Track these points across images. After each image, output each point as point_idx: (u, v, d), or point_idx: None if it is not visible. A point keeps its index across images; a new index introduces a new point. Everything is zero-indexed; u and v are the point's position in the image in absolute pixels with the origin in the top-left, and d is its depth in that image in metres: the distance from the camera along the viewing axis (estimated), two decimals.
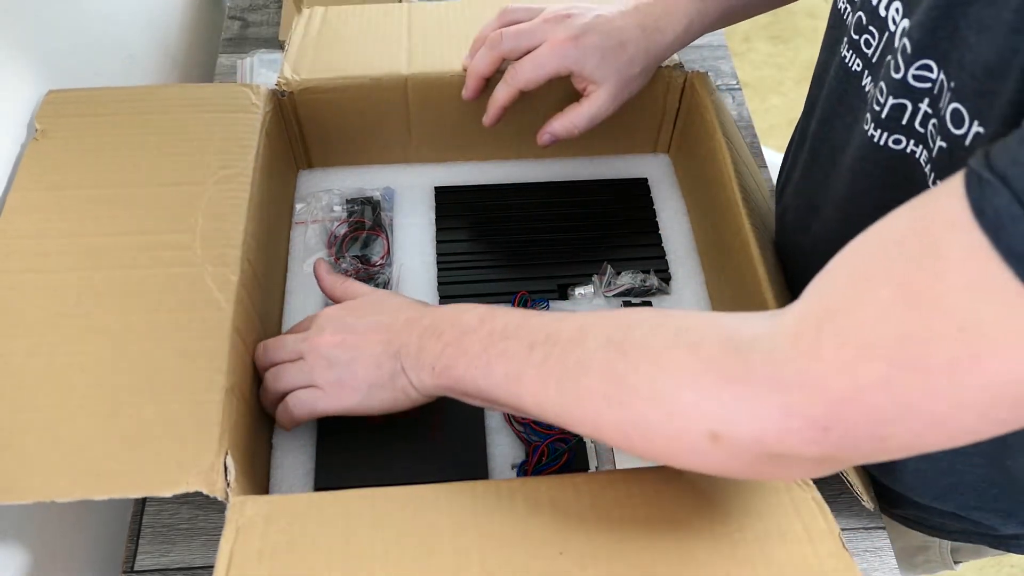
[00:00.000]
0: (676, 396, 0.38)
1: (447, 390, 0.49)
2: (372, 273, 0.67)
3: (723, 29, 0.84)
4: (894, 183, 0.49)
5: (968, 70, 0.40)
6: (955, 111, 0.41)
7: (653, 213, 0.72)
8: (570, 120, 0.65)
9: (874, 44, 0.49)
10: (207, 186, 0.59)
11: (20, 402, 0.48)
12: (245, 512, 0.44)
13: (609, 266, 0.66)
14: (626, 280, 0.65)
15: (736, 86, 0.85)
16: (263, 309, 0.60)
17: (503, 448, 0.59)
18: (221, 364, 0.51)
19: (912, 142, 0.47)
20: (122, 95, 0.65)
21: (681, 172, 0.75)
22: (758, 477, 0.41)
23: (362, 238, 0.68)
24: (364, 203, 0.70)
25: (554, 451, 0.57)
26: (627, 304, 0.65)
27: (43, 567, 0.57)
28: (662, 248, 0.69)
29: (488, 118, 0.67)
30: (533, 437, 0.58)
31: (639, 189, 0.73)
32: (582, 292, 0.66)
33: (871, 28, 0.49)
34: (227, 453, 0.47)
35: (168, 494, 0.45)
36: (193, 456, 0.46)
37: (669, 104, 0.72)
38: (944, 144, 0.43)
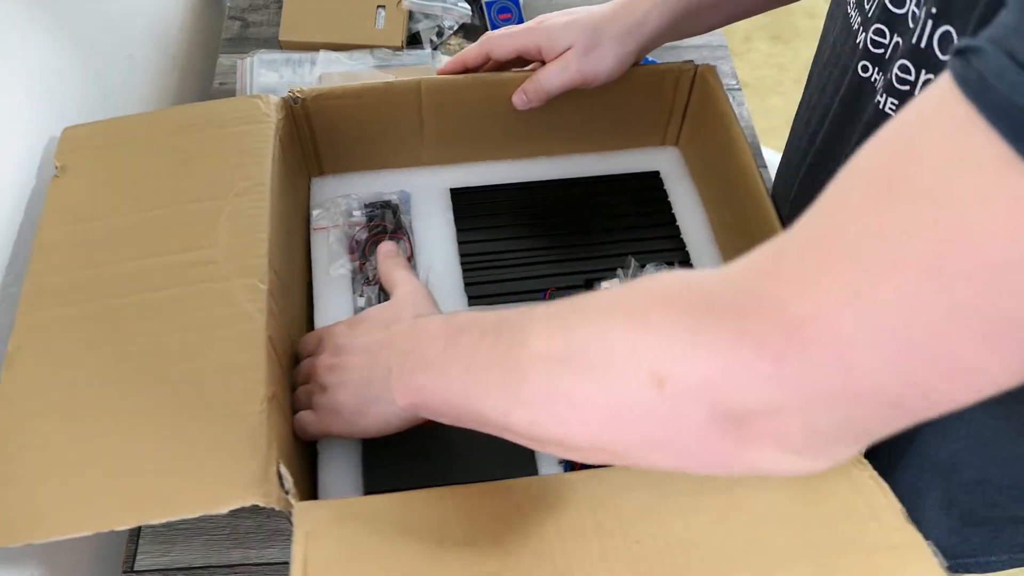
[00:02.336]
0: (617, 335, 0.33)
1: (419, 408, 0.46)
2: None
3: (722, 29, 0.85)
4: None
5: None
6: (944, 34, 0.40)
7: (668, 205, 0.72)
8: (539, 81, 0.65)
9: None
10: (227, 200, 0.58)
11: (66, 435, 0.48)
12: (311, 517, 0.44)
13: (633, 260, 0.66)
14: (651, 273, 0.65)
15: (736, 86, 0.85)
16: (291, 316, 0.59)
17: None
18: (259, 374, 0.50)
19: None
20: (137, 122, 0.65)
21: (694, 164, 0.75)
22: (713, 462, 0.33)
23: (384, 242, 0.67)
24: (383, 207, 0.70)
25: None
26: None
27: (44, 567, 0.56)
28: (681, 240, 0.70)
29: (448, 66, 0.68)
30: None
31: (652, 182, 0.73)
32: (607, 286, 0.66)
33: None
34: (278, 462, 0.46)
35: (224, 510, 0.44)
36: (244, 469, 0.46)
37: (679, 97, 0.72)
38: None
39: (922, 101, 0.27)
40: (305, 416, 0.54)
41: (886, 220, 0.26)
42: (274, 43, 0.89)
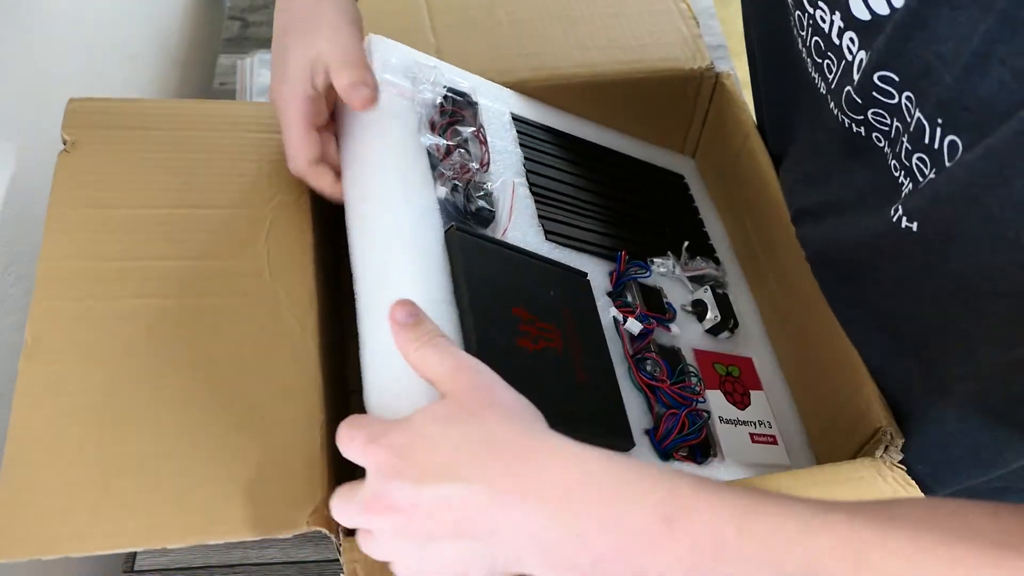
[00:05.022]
0: None
1: None
2: (476, 182, 0.56)
3: (722, 29, 0.84)
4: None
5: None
6: (951, 143, 0.40)
7: (696, 211, 0.72)
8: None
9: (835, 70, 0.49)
10: (265, 211, 0.58)
11: (107, 443, 0.45)
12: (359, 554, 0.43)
13: (684, 250, 0.65)
14: (701, 265, 0.65)
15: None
16: (331, 341, 0.58)
17: (633, 410, 0.53)
18: (317, 399, 0.50)
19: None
20: (153, 107, 0.62)
21: (711, 174, 0.75)
22: None
23: (461, 136, 0.59)
24: (462, 96, 0.61)
25: (695, 421, 0.54)
26: (713, 291, 0.63)
27: (44, 566, 0.56)
28: (711, 246, 0.69)
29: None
30: (662, 408, 0.54)
31: (679, 184, 0.73)
32: (661, 263, 0.64)
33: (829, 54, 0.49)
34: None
35: (288, 535, 0.44)
36: (307, 494, 0.46)
37: (699, 106, 0.73)
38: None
39: None
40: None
41: None
42: None
